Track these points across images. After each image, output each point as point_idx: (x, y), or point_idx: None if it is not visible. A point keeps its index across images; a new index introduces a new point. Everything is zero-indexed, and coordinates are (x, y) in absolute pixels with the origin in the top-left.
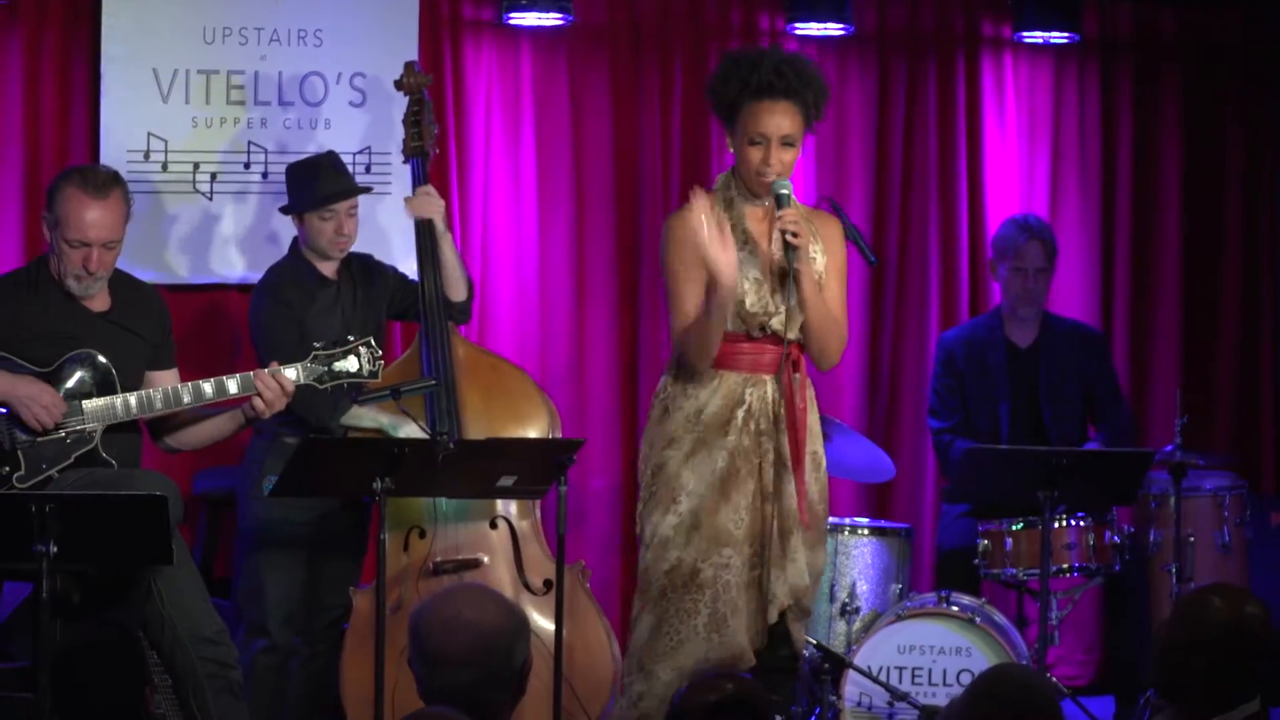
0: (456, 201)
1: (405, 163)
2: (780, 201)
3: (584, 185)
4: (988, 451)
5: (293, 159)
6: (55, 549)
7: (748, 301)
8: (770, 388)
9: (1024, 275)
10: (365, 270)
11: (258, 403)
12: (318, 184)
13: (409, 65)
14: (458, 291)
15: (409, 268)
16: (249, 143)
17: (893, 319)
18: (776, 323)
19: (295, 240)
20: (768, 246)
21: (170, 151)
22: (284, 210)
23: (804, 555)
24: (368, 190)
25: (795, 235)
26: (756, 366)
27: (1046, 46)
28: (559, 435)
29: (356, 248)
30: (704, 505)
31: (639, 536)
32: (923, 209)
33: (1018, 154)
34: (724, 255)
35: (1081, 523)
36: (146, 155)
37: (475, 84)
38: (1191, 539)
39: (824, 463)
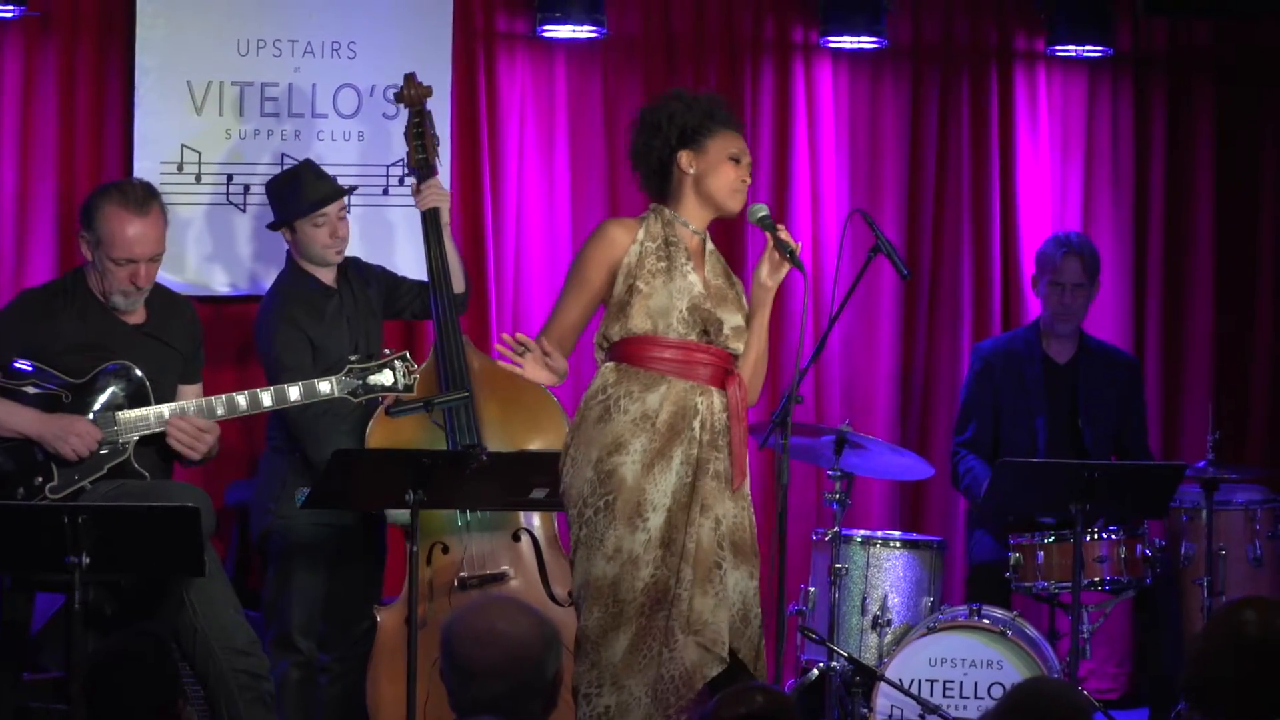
0: (490, 213)
1: (409, 174)
2: (765, 225)
3: (617, 198)
4: (1020, 465)
5: (328, 171)
6: (88, 560)
7: (701, 302)
8: (717, 400)
9: (1061, 290)
10: (359, 273)
11: (174, 444)
12: (303, 191)
13: (408, 77)
14: (458, 284)
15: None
16: (283, 155)
17: (925, 332)
18: (729, 328)
19: (289, 255)
20: (704, 271)
21: (204, 164)
22: (272, 226)
23: (733, 577)
24: (353, 189)
25: (793, 242)
26: (696, 375)
27: (1080, 60)
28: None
29: (367, 255)
30: (673, 522)
31: (584, 541)
32: (955, 222)
33: (1050, 167)
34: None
35: (1113, 536)
36: (180, 167)
37: (509, 96)
38: (1223, 552)
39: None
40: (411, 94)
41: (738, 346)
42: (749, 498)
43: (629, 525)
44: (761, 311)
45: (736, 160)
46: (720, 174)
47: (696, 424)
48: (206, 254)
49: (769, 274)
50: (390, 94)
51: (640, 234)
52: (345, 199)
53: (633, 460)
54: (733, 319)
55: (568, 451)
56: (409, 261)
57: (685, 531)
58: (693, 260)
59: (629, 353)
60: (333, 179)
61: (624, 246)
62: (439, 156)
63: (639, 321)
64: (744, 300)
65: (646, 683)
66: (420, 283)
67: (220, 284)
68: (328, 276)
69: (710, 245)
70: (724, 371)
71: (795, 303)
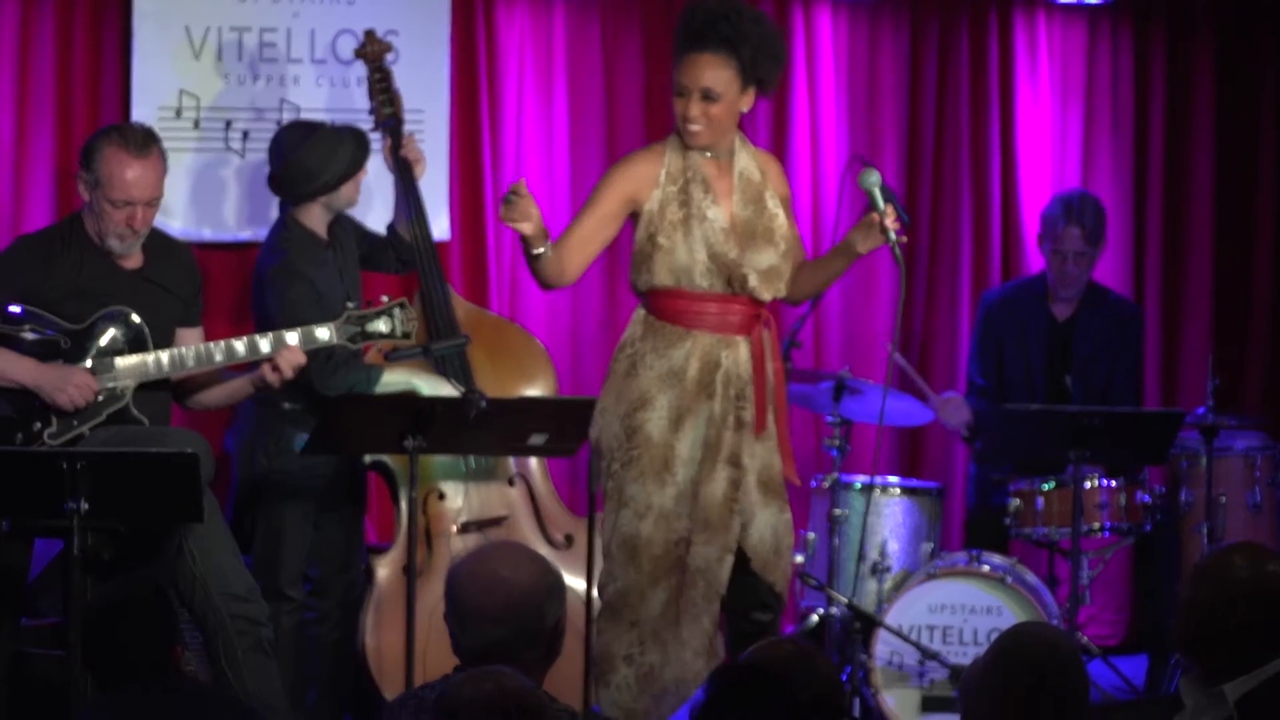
0: (489, 164)
1: (375, 129)
2: (873, 201)
3: (616, 148)
4: (1019, 411)
5: (326, 117)
6: (86, 506)
7: (722, 249)
8: (743, 350)
9: (1062, 258)
10: (339, 224)
11: (270, 377)
12: (340, 152)
13: (369, 33)
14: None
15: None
16: (281, 100)
17: (925, 280)
18: (753, 279)
19: (287, 209)
20: (730, 201)
21: (202, 109)
22: (304, 195)
23: (760, 515)
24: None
25: (903, 235)
26: (728, 327)
27: (1080, 6)
28: (557, 390)
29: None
30: (699, 476)
31: (611, 494)
32: (955, 170)
33: (1050, 114)
34: (525, 224)
35: (1113, 482)
36: (178, 113)
37: (508, 45)
38: (1223, 499)
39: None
40: (373, 49)
41: (766, 293)
42: (775, 437)
43: (657, 481)
44: (838, 267)
45: (679, 93)
46: (675, 106)
47: (719, 378)
48: (204, 200)
49: (862, 242)
50: (389, 39)
51: (662, 175)
52: None
53: (659, 416)
54: (761, 259)
55: (600, 402)
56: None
57: (711, 483)
58: (713, 192)
59: (655, 306)
60: (342, 131)
61: (646, 186)
62: (402, 109)
63: (662, 277)
64: (781, 226)
65: (686, 635)
66: (383, 236)
67: (216, 229)
68: (322, 229)
69: (742, 164)
70: (752, 317)
71: None
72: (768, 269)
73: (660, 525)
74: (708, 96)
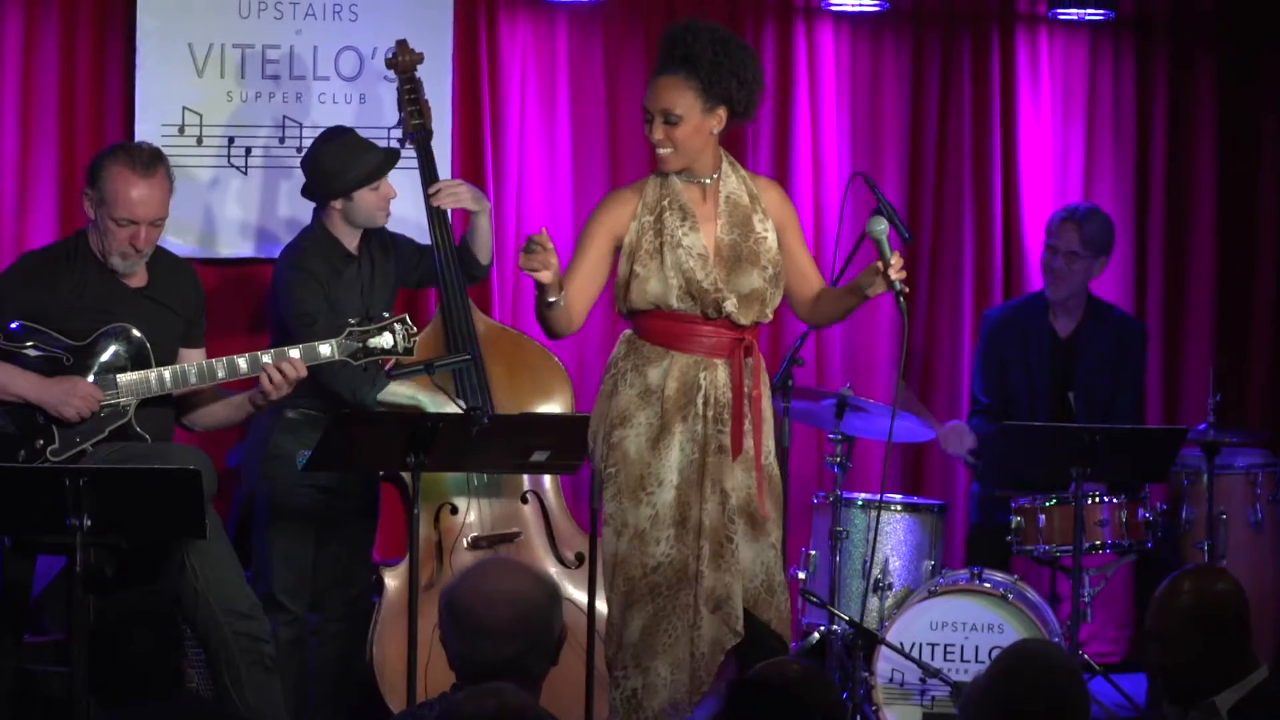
0: (491, 178)
1: (402, 143)
2: (880, 251)
3: (619, 161)
4: (1020, 428)
5: None
6: (89, 522)
7: (698, 276)
8: (722, 373)
9: (1054, 254)
10: (381, 244)
11: (267, 387)
12: (363, 158)
13: (401, 43)
14: (484, 257)
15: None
16: (284, 117)
17: (926, 296)
18: (730, 305)
19: (316, 215)
20: (715, 224)
21: (205, 126)
22: (326, 196)
23: (746, 550)
24: (400, 152)
25: (905, 283)
26: (706, 349)
27: (1082, 23)
28: (573, 408)
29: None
30: (684, 499)
31: (602, 513)
32: (957, 186)
33: (1052, 131)
34: (544, 273)
35: (1114, 499)
36: (181, 130)
37: (510, 58)
38: (1224, 516)
39: (770, 454)
40: (404, 60)
41: (744, 318)
42: (758, 465)
43: (633, 499)
44: (851, 303)
45: (645, 118)
46: (645, 132)
47: (700, 400)
48: (207, 217)
49: (869, 286)
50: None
51: (639, 207)
52: None
53: (636, 434)
54: (743, 283)
55: (590, 425)
56: (407, 220)
57: (701, 509)
58: (692, 218)
59: (638, 325)
60: (375, 144)
61: (624, 222)
62: (431, 120)
63: (640, 303)
64: (769, 250)
65: (672, 662)
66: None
67: (220, 247)
68: (351, 243)
69: (730, 188)
70: (733, 341)
71: None
72: (749, 293)
73: (635, 545)
74: (669, 119)
